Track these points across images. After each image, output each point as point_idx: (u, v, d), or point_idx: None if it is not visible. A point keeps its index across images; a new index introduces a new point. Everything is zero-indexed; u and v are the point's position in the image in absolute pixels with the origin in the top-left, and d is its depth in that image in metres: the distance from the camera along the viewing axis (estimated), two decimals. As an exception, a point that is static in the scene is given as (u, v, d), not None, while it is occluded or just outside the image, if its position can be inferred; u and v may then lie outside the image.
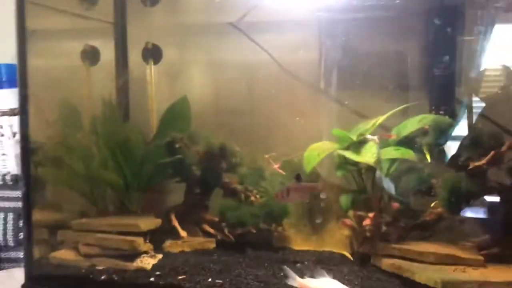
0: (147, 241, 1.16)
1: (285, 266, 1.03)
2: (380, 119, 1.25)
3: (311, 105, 1.38)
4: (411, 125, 1.19)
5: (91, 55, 1.40)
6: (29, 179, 1.09)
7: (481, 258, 1.02)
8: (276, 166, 1.29)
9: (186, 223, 1.30)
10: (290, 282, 1.00)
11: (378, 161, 1.10)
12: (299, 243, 1.27)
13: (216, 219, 1.28)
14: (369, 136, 1.16)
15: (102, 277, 1.05)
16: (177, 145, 1.27)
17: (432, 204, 1.10)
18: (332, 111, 1.35)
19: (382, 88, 1.30)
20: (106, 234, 1.13)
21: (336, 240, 1.25)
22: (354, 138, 1.16)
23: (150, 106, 1.41)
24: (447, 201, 1.06)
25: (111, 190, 1.32)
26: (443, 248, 1.05)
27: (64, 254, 1.15)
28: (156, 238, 1.20)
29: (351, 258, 1.17)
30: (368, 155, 1.12)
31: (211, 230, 1.28)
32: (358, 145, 1.18)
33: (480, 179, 1.07)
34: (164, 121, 1.39)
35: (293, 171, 1.31)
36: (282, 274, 1.03)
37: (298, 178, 1.14)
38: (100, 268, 1.09)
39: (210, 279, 1.01)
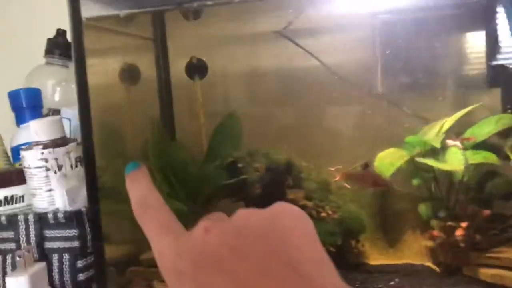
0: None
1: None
2: (448, 122, 1.21)
3: (369, 111, 1.32)
4: (488, 126, 1.15)
5: (130, 74, 1.31)
6: (97, 214, 1.00)
7: None
8: (338, 177, 1.24)
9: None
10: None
11: (467, 167, 1.06)
12: (376, 258, 1.22)
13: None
14: (450, 141, 1.12)
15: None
16: (240, 165, 1.20)
17: (525, 208, 1.07)
18: (392, 116, 1.30)
19: (446, 89, 1.26)
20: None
21: (414, 251, 1.20)
22: (438, 145, 1.10)
23: (199, 124, 1.33)
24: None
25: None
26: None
27: (138, 294, 1.06)
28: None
29: (438, 270, 1.12)
30: (455, 162, 1.07)
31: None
32: (436, 151, 1.13)
33: None
34: (214, 139, 1.31)
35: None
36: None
37: (366, 166, 1.10)
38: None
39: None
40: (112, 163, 1.21)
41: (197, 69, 1.32)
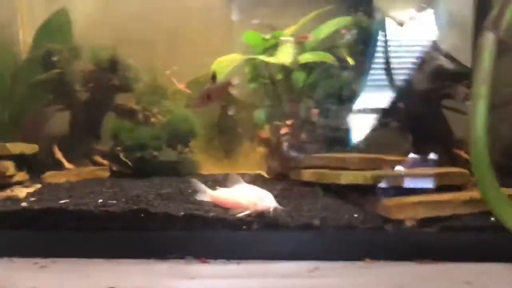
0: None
1: (193, 179, 0.87)
2: (293, 27, 1.13)
3: (215, 20, 1.22)
4: (328, 28, 1.08)
5: None
6: None
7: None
8: (181, 86, 1.13)
9: (75, 156, 1.09)
10: (200, 196, 0.85)
11: (295, 62, 0.98)
12: (210, 169, 1.12)
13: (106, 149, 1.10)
14: (283, 38, 1.03)
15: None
16: (55, 58, 1.05)
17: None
18: (239, 25, 1.20)
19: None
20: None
21: (251, 161, 1.11)
22: (269, 37, 1.02)
23: (19, 20, 1.17)
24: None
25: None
26: (366, 154, 0.95)
27: None
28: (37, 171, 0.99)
29: (267, 176, 1.04)
30: (284, 56, 0.99)
31: (104, 162, 1.09)
32: (272, 49, 1.05)
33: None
34: (39, 37, 1.15)
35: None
36: (190, 190, 0.87)
37: (214, 77, 0.98)
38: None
39: (101, 201, 0.82)
40: None
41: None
